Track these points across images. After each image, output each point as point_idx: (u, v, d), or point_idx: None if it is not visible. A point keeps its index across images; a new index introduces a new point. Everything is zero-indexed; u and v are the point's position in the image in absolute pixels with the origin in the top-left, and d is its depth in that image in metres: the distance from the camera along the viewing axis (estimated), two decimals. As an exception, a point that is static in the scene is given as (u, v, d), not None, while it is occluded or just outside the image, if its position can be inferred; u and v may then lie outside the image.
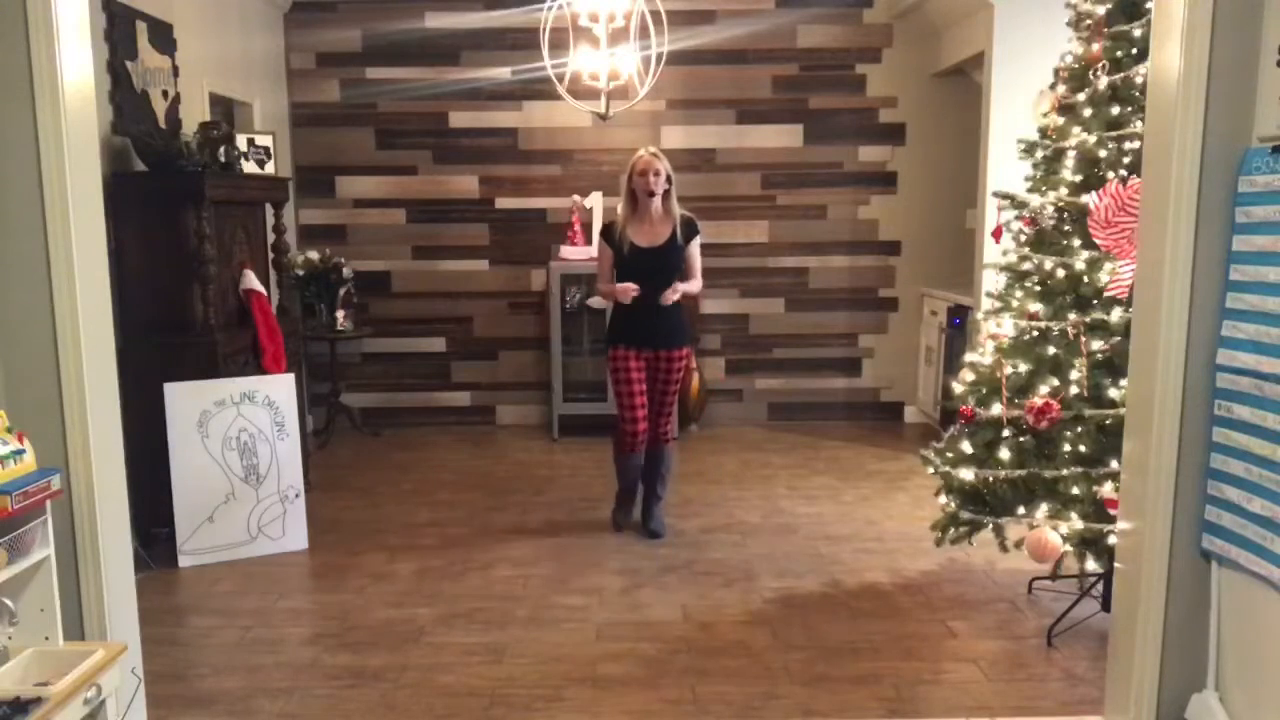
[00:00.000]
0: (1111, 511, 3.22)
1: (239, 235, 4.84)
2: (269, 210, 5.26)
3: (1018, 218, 3.88)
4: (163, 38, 4.74)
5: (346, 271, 6.37)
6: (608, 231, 4.51)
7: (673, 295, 4.35)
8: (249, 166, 5.08)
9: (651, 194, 4.34)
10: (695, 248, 4.49)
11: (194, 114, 4.99)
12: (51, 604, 2.51)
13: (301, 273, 6.26)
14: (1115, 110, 3.54)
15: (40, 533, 2.45)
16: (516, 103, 6.66)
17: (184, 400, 4.28)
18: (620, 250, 4.39)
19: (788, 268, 6.86)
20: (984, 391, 3.72)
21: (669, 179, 4.39)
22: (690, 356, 4.59)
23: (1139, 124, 3.36)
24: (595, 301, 5.16)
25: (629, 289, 4.31)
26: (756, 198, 6.78)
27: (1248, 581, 2.47)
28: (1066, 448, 3.49)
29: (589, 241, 6.28)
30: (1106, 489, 3.35)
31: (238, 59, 5.80)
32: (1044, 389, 3.53)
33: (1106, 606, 3.46)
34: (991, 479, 3.63)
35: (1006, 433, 3.62)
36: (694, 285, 4.56)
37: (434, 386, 6.92)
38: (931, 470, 3.83)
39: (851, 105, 6.71)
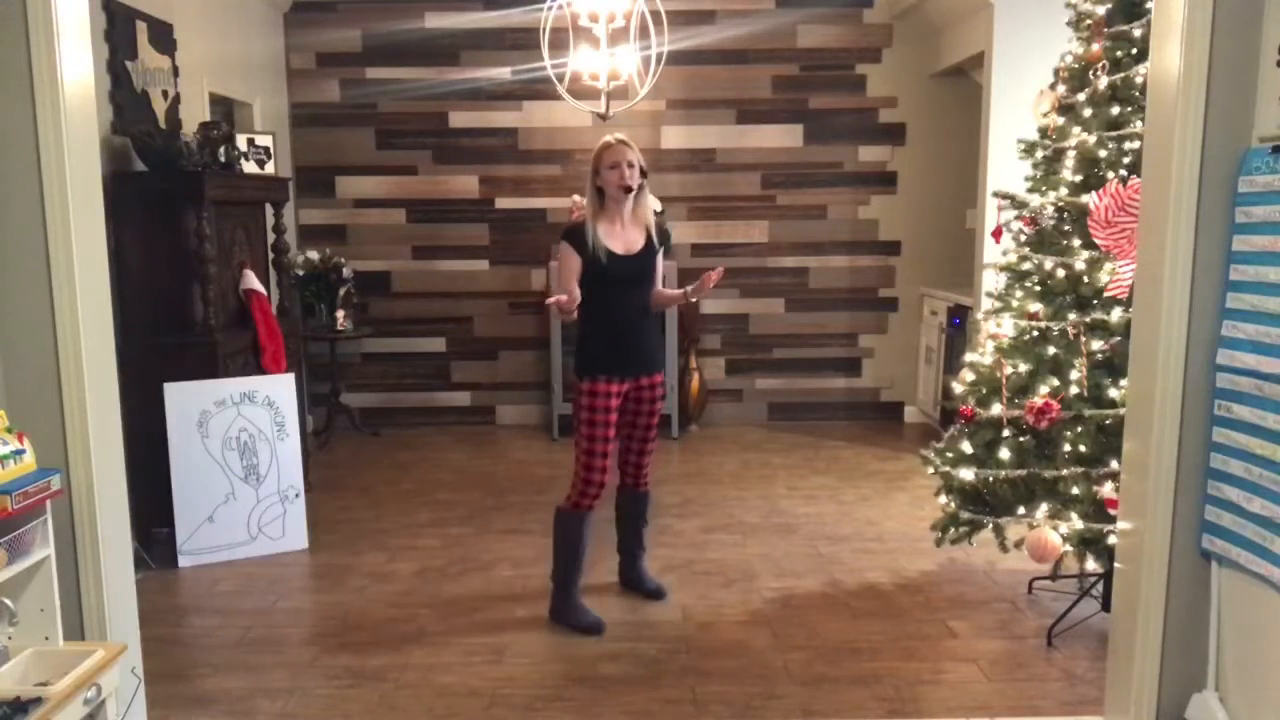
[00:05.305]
0: (1111, 511, 3.22)
1: (239, 235, 4.84)
2: (269, 210, 5.26)
3: (1018, 218, 3.88)
4: (163, 38, 4.74)
5: (346, 271, 6.37)
6: (575, 234, 3.61)
7: (716, 278, 3.60)
8: (249, 166, 5.08)
9: (628, 189, 3.58)
10: (660, 255, 3.79)
11: (194, 114, 4.99)
12: (51, 604, 2.51)
13: (301, 273, 6.26)
14: (1115, 110, 3.54)
15: (40, 533, 2.45)
16: (516, 103, 6.66)
17: (184, 400, 4.28)
18: (598, 259, 3.57)
19: (788, 268, 6.86)
20: (984, 391, 3.72)
21: (643, 171, 3.64)
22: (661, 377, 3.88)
23: (1139, 124, 3.36)
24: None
25: (562, 300, 3.41)
26: (756, 198, 6.78)
27: (1248, 581, 2.47)
28: (1066, 448, 3.49)
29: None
30: (1106, 489, 3.35)
31: (238, 59, 5.80)
32: (1044, 389, 3.53)
33: (1106, 606, 3.46)
34: (991, 479, 3.63)
35: (1006, 433, 3.61)
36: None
37: (434, 386, 6.92)
38: (931, 470, 3.83)
39: (851, 105, 6.71)
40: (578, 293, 3.48)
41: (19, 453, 2.38)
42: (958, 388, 3.83)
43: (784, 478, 5.63)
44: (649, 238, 3.71)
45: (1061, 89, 3.80)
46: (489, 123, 6.68)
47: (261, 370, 4.70)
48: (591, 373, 3.64)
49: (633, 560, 4.03)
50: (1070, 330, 3.55)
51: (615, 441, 3.70)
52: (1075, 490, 3.44)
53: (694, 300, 3.75)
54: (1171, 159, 2.53)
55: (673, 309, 6.24)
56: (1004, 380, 3.61)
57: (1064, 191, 3.66)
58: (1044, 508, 3.50)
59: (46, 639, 2.51)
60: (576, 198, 6.46)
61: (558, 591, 3.74)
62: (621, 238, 3.64)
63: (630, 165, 3.58)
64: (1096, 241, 3.48)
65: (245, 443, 4.43)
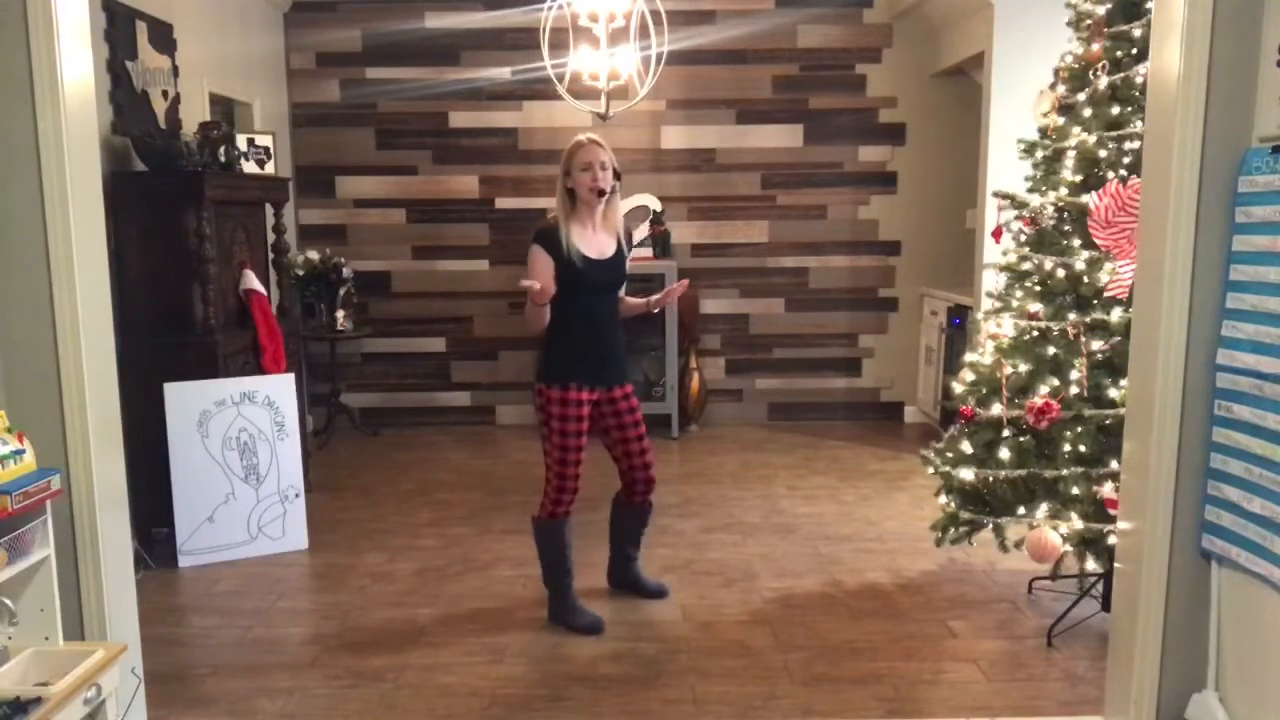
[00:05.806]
0: (1111, 511, 3.22)
1: (239, 235, 4.84)
2: (269, 210, 5.26)
3: (1018, 218, 3.88)
4: (163, 38, 4.74)
5: (346, 271, 6.37)
6: (548, 237, 3.48)
7: (680, 290, 3.71)
8: (249, 166, 5.08)
9: (601, 193, 3.46)
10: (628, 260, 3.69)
11: (194, 114, 4.99)
12: (51, 604, 2.51)
13: (301, 273, 6.26)
14: (1115, 110, 3.54)
15: (40, 533, 2.45)
16: (516, 103, 6.66)
17: (184, 400, 4.28)
18: (572, 263, 3.45)
19: (788, 268, 6.85)
20: (984, 391, 3.72)
21: (616, 173, 3.52)
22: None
23: (1139, 124, 3.36)
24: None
25: (535, 286, 3.34)
26: (756, 198, 6.78)
27: (1248, 581, 2.47)
28: (1066, 448, 3.49)
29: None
30: (1106, 489, 3.35)
31: (238, 59, 5.80)
32: (1044, 389, 3.53)
33: (1106, 606, 3.46)
34: (991, 479, 3.62)
35: (1006, 433, 3.61)
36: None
37: (434, 386, 6.92)
38: (931, 470, 3.83)
39: (851, 105, 6.71)
40: (552, 286, 3.37)
41: (19, 453, 2.38)
42: (958, 388, 3.83)
43: (784, 478, 5.63)
44: (619, 243, 3.61)
45: (1061, 89, 3.80)
46: (489, 123, 6.68)
47: (261, 370, 4.70)
48: (563, 379, 3.54)
49: (625, 561, 3.97)
50: (1070, 330, 3.55)
51: (587, 448, 3.65)
52: (1075, 490, 3.44)
53: (655, 310, 3.75)
54: (1171, 159, 2.53)
55: (672, 310, 6.25)
56: (1004, 380, 3.61)
57: (1064, 191, 3.66)
58: (1044, 508, 3.50)
59: (46, 639, 2.51)
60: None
61: (553, 596, 3.73)
62: (593, 242, 3.52)
63: (603, 166, 3.45)
64: (1096, 241, 3.48)
65: (245, 443, 4.43)
